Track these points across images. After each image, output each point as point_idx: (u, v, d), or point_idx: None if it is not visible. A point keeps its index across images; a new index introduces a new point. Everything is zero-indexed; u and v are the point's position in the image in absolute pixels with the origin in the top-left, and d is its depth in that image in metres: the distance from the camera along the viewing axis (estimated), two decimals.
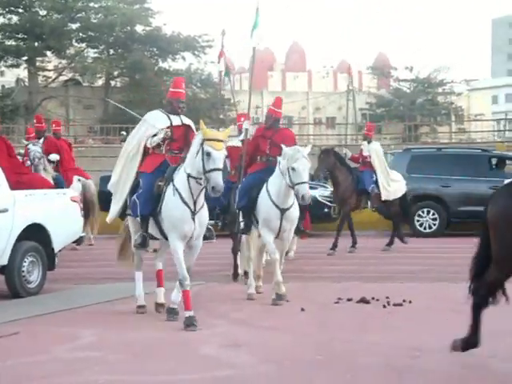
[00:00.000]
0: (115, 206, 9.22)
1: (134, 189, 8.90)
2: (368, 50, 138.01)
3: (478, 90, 67.37)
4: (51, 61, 46.61)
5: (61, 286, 11.34)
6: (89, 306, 9.85)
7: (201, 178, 8.24)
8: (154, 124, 8.90)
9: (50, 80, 46.74)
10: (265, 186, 9.89)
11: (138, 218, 8.88)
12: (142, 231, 8.92)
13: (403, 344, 7.48)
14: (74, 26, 45.30)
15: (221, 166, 8.14)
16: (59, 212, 11.18)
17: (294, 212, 9.87)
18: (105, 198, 19.67)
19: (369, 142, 16.36)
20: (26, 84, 45.89)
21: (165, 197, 8.52)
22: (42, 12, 44.47)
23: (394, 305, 9.51)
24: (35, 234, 10.68)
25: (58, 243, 11.07)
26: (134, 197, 8.77)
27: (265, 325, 8.57)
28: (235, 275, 11.77)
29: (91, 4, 44.89)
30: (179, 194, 8.37)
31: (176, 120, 9.04)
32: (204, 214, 8.59)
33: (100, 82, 48.59)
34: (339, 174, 15.71)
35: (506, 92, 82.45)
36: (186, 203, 8.37)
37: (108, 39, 45.33)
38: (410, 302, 9.64)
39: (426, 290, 10.82)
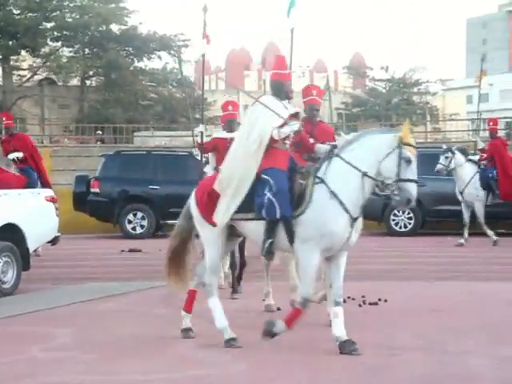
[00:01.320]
0: (230, 206, 7.41)
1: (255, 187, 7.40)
2: (344, 49, 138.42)
3: (453, 89, 67.79)
4: (26, 60, 46.30)
5: (36, 287, 11.27)
6: (64, 306, 9.80)
7: (386, 184, 7.08)
8: (279, 112, 7.50)
9: (25, 79, 46.44)
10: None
11: (264, 222, 7.32)
12: (270, 237, 7.31)
13: (379, 343, 7.51)
14: (49, 25, 45.03)
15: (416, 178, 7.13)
16: (34, 212, 11.12)
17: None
18: (79, 198, 19.79)
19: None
20: (0, 83, 45.57)
21: (312, 198, 7.17)
22: (16, 11, 44.16)
23: (370, 304, 9.54)
24: (9, 234, 10.60)
25: (32, 243, 11.00)
26: (269, 195, 7.23)
27: (241, 324, 8.55)
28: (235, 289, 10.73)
29: (66, 3, 44.63)
30: (335, 195, 7.10)
31: (291, 108, 7.69)
32: (361, 220, 7.33)
33: (75, 81, 48.35)
34: None
35: (480, 92, 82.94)
36: (345, 208, 7.10)
37: (83, 38, 45.11)
38: (386, 300, 9.68)
39: (402, 288, 10.87)
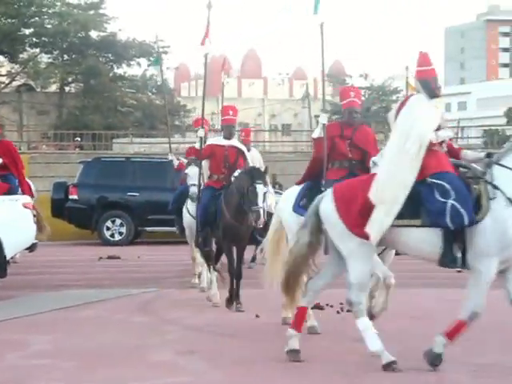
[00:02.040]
0: (388, 216, 6.71)
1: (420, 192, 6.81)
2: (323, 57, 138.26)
3: None
4: (4, 66, 46.10)
5: (14, 294, 11.20)
6: (43, 313, 9.75)
7: None
8: (432, 113, 7.00)
9: (3, 85, 46.21)
10: None
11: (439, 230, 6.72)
12: (451, 248, 6.75)
13: (357, 350, 7.52)
14: (28, 31, 44.85)
15: None
16: (11, 218, 11.05)
17: None
18: (57, 205, 19.70)
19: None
20: None
21: (490, 205, 6.68)
22: None
23: (348, 311, 9.55)
24: None
25: (10, 250, 10.93)
26: (452, 202, 6.62)
27: (219, 331, 8.56)
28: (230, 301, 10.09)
29: (45, 9, 44.49)
30: None
31: (440, 107, 7.20)
32: None
33: (54, 88, 48.17)
34: None
35: (458, 100, 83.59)
36: None
37: (62, 45, 44.96)
38: None
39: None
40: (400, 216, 6.71)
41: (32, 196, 12.74)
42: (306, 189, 8.53)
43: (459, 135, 43.13)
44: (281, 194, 18.75)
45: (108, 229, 19.40)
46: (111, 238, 19.34)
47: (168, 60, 44.99)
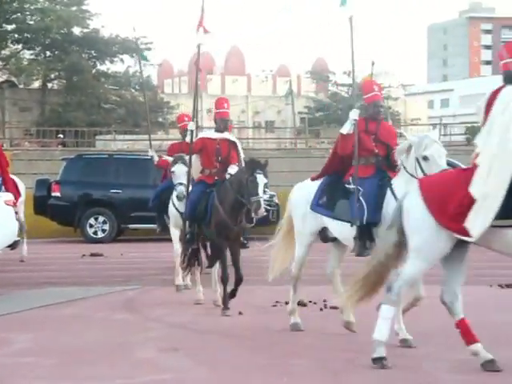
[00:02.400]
0: (489, 212, 6.37)
1: None
2: (307, 54, 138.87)
3: (415, 95, 68.38)
4: None
5: None
6: (25, 311, 9.72)
7: None
8: None
9: None
10: (389, 192, 7.87)
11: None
12: None
13: (339, 346, 7.56)
14: (10, 27, 44.59)
15: None
16: None
17: None
18: (40, 202, 19.61)
19: None
20: None
21: None
22: None
23: (331, 308, 9.58)
24: None
25: None
26: None
27: (202, 328, 8.56)
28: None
29: (27, 5, 44.23)
30: None
31: None
32: None
33: (36, 84, 47.92)
34: None
35: (441, 97, 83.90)
36: None
37: (44, 41, 44.73)
38: None
39: None
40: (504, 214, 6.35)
41: (19, 195, 12.65)
42: (325, 184, 8.26)
43: (442, 132, 43.31)
44: (265, 190, 18.88)
45: (91, 226, 19.35)
46: (94, 236, 19.29)
47: (151, 57, 44.82)
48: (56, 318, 9.23)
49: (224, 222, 9.43)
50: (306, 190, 8.41)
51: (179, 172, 11.15)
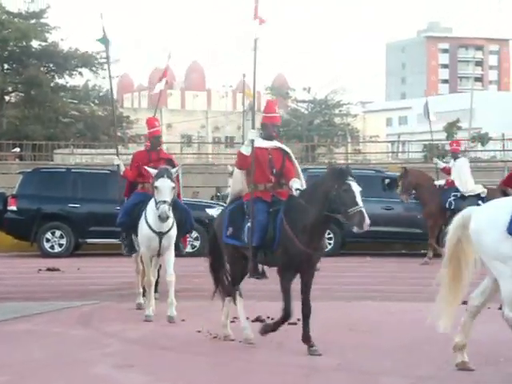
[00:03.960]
0: None
1: None
2: (267, 70, 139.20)
3: (373, 112, 69.04)
4: None
5: None
6: None
7: None
8: None
9: None
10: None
11: None
12: None
13: (296, 363, 7.53)
14: None
15: None
16: None
17: None
18: None
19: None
20: None
21: None
22: None
23: (289, 324, 9.55)
24: None
25: None
26: None
27: (159, 344, 8.48)
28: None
29: None
30: None
31: None
32: None
33: None
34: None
35: (399, 115, 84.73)
36: None
37: (2, 53, 44.30)
38: None
39: (322, 308, 10.91)
40: None
41: None
42: None
43: (399, 149, 43.72)
44: (223, 206, 18.85)
45: (48, 240, 19.13)
46: (51, 250, 19.07)
47: (112, 71, 44.66)
48: (10, 334, 9.08)
49: (297, 249, 7.86)
50: (498, 210, 7.07)
51: (164, 188, 9.70)
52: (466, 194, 16.78)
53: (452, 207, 16.45)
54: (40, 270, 15.86)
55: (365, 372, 7.15)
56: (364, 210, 7.56)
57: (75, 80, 46.67)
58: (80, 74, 45.46)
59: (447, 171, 17.30)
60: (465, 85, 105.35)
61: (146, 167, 10.37)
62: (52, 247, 19.13)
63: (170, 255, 10.20)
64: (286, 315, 8.02)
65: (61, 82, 46.36)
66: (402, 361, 7.58)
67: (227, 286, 8.71)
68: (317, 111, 58.96)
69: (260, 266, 8.32)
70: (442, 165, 17.93)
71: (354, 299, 11.68)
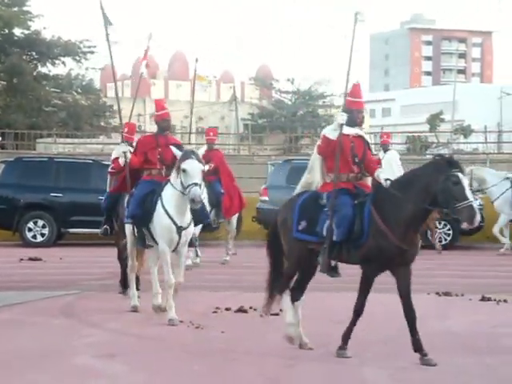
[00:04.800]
0: None
1: None
2: (251, 61, 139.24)
3: None
4: None
5: None
6: None
7: None
8: None
9: None
10: None
11: None
12: None
13: (278, 353, 7.55)
14: None
15: None
16: None
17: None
18: None
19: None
20: None
21: None
22: None
23: (272, 314, 9.58)
24: None
25: None
26: None
27: (140, 334, 8.48)
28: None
29: None
30: None
31: None
32: None
33: None
34: None
35: (382, 106, 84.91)
36: None
37: None
38: None
39: (307, 300, 10.94)
40: None
41: None
42: None
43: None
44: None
45: (30, 230, 19.06)
46: (33, 240, 19.00)
47: (95, 61, 44.48)
48: None
49: (390, 243, 7.28)
50: None
51: (193, 169, 8.95)
52: None
53: None
54: (22, 259, 15.80)
55: (346, 363, 7.19)
56: (475, 205, 7.13)
57: (58, 69, 46.45)
58: (63, 62, 45.25)
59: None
60: (448, 77, 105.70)
61: (171, 146, 9.52)
62: (34, 237, 19.06)
63: (185, 253, 9.68)
64: (359, 312, 7.60)
65: (43, 70, 46.13)
66: (384, 352, 7.63)
67: (284, 285, 7.96)
68: (301, 102, 59.00)
69: (333, 262, 7.72)
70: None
71: (335, 290, 11.70)
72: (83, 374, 6.73)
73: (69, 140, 34.93)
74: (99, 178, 19.09)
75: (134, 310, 9.85)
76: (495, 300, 10.78)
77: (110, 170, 11.25)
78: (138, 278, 10.47)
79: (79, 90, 47.71)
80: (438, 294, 11.45)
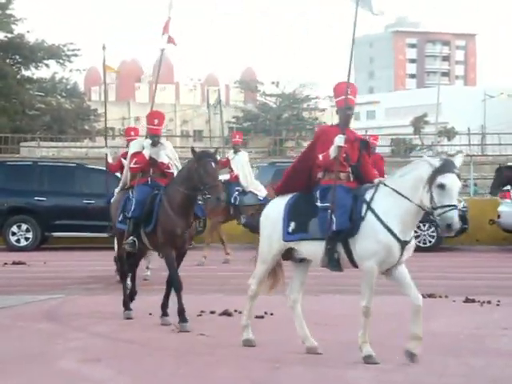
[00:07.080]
0: None
1: None
2: (235, 64, 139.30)
3: None
4: None
5: None
6: None
7: None
8: None
9: None
10: None
11: None
12: None
13: (263, 356, 7.55)
14: None
15: None
16: None
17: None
18: None
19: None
20: None
21: None
22: None
23: (256, 317, 9.57)
24: None
25: None
26: None
27: (125, 338, 8.45)
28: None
29: None
30: None
31: None
32: None
33: None
34: None
35: (367, 109, 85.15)
36: None
37: None
38: (272, 314, 9.74)
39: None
40: None
41: None
42: None
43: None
44: None
45: (14, 234, 18.99)
46: (17, 244, 18.93)
47: (78, 63, 44.38)
48: None
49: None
50: None
51: (453, 187, 7.18)
52: (247, 190, 16.15)
53: (236, 203, 15.94)
54: (5, 263, 15.74)
55: (330, 366, 7.20)
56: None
57: (42, 72, 46.35)
58: (47, 66, 45.11)
59: (223, 164, 15.68)
60: (432, 79, 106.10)
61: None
62: (18, 241, 18.99)
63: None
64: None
65: (27, 74, 45.98)
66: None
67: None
68: (285, 105, 59.11)
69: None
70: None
71: (318, 293, 11.71)
72: (68, 379, 6.71)
73: (53, 144, 34.78)
74: (83, 182, 19.08)
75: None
76: (479, 301, 10.82)
77: (132, 165, 10.10)
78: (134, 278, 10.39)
79: (63, 94, 47.58)
80: (422, 295, 11.45)
